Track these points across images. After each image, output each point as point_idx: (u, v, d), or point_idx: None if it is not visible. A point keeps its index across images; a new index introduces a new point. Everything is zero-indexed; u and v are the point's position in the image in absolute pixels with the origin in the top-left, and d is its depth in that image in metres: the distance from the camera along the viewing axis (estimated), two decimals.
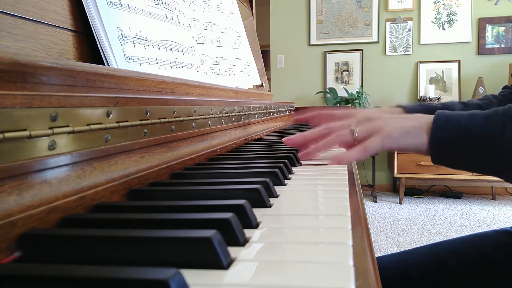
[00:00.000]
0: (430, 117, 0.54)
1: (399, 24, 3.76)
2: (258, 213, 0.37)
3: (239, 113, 0.89)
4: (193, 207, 0.36)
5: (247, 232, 0.32)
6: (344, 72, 3.93)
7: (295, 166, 0.65)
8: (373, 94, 3.82)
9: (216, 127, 0.75)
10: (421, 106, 0.78)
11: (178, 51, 0.72)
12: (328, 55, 3.94)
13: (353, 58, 3.91)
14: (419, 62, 3.75)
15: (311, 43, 3.95)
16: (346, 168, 0.60)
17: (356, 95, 3.70)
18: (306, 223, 0.35)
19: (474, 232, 0.81)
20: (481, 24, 3.61)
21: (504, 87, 0.91)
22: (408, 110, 0.77)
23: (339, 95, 3.78)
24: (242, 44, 1.18)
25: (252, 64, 1.23)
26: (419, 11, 3.74)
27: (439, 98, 3.48)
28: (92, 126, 0.38)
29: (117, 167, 0.42)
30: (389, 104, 3.74)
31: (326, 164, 0.65)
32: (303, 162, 0.68)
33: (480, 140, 0.49)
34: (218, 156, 0.70)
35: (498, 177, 0.51)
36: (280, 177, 0.51)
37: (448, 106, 0.78)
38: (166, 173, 0.52)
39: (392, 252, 0.84)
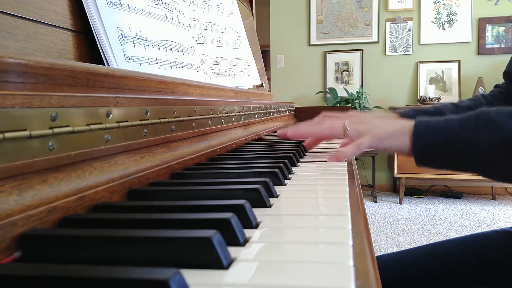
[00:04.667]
0: (412, 123, 0.61)
1: (399, 24, 3.76)
2: (258, 213, 0.37)
3: (239, 113, 0.89)
4: (193, 207, 0.36)
5: (247, 232, 0.32)
6: (344, 72, 3.93)
7: (295, 166, 0.65)
8: (373, 94, 3.82)
9: (216, 127, 0.75)
10: (415, 110, 0.85)
11: (178, 51, 0.72)
12: (328, 55, 3.94)
13: (353, 58, 3.90)
14: (419, 62, 3.75)
15: (311, 43, 3.95)
16: (346, 168, 0.60)
17: (356, 95, 3.70)
18: (306, 223, 0.35)
19: (474, 232, 0.81)
20: (481, 24, 3.61)
21: (495, 86, 0.94)
22: (402, 115, 0.84)
23: (339, 95, 3.78)
24: (242, 44, 1.18)
25: (252, 64, 1.23)
26: (419, 11, 3.74)
27: (439, 98, 3.48)
28: (92, 126, 0.38)
29: (117, 167, 0.42)
30: (389, 104, 3.74)
31: (325, 161, 0.70)
32: (303, 162, 0.69)
33: (457, 143, 0.56)
34: (218, 156, 0.70)
35: (474, 173, 0.58)
36: (280, 177, 0.51)
37: (440, 109, 0.84)
38: (166, 173, 0.52)
39: (391, 252, 0.84)
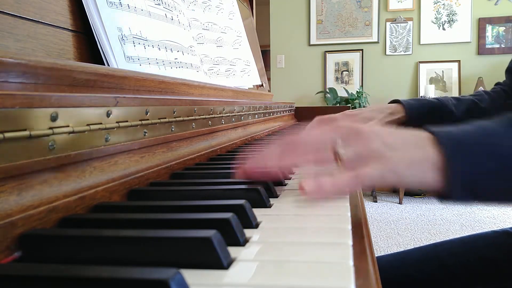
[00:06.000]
0: (435, 142, 0.39)
1: (399, 24, 3.76)
2: (258, 213, 0.37)
3: (239, 113, 0.89)
4: (193, 207, 0.36)
5: (247, 232, 0.32)
6: (344, 72, 3.93)
7: None
8: (373, 94, 3.82)
9: (216, 127, 0.75)
10: (419, 101, 0.81)
11: (178, 51, 0.72)
12: (328, 55, 3.94)
13: (353, 58, 3.91)
14: (419, 62, 3.75)
15: (311, 43, 3.95)
16: None
17: (356, 95, 3.70)
18: (306, 223, 0.35)
19: (474, 233, 0.81)
20: (481, 24, 3.61)
21: (497, 84, 0.93)
22: (407, 107, 0.78)
23: (339, 95, 3.78)
24: (242, 44, 1.18)
25: (252, 64, 1.23)
26: (419, 11, 3.74)
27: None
28: (92, 126, 0.38)
29: (117, 167, 0.42)
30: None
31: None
32: None
33: None
34: (218, 156, 0.70)
35: None
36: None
37: (442, 101, 0.81)
38: (166, 173, 0.52)
39: (392, 252, 0.84)
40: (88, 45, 0.54)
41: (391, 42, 3.79)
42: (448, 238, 0.82)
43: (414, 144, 0.40)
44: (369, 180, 0.39)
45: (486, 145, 0.37)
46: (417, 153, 0.39)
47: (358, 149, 0.41)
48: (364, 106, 3.65)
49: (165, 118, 0.53)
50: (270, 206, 0.40)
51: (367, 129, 0.42)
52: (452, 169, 0.37)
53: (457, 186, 0.37)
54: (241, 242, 0.29)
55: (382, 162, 0.39)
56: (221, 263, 0.25)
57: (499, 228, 0.79)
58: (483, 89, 3.55)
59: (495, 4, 3.59)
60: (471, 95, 0.88)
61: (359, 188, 0.42)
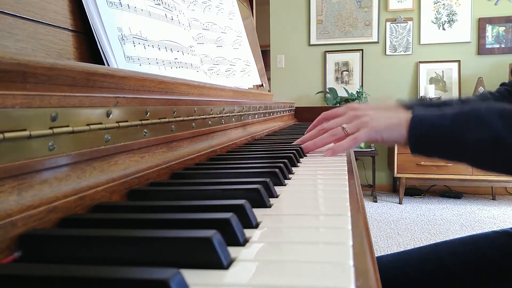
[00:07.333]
0: (408, 116, 0.64)
1: (399, 24, 3.76)
2: (258, 213, 0.37)
3: (239, 113, 0.89)
4: (193, 207, 0.36)
5: (247, 232, 0.32)
6: (344, 72, 3.93)
7: (295, 166, 0.65)
8: (373, 94, 3.82)
9: (216, 127, 0.75)
10: (421, 104, 0.83)
11: (178, 51, 0.72)
12: (328, 55, 3.94)
13: (353, 58, 3.91)
14: (419, 62, 3.75)
15: (311, 43, 3.95)
16: (346, 168, 0.60)
17: (356, 95, 3.71)
18: (306, 223, 0.35)
19: (474, 233, 0.81)
20: (481, 24, 3.61)
21: (502, 84, 0.94)
22: (408, 108, 0.81)
23: (339, 95, 3.78)
24: (242, 44, 1.18)
25: (252, 64, 1.23)
26: (419, 11, 3.74)
27: (439, 98, 3.48)
28: (92, 126, 0.38)
29: (117, 167, 0.42)
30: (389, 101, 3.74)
31: (324, 157, 0.74)
32: (303, 162, 0.69)
33: (448, 137, 0.60)
34: (218, 156, 0.70)
35: (465, 163, 0.62)
36: (280, 177, 0.51)
37: (446, 103, 0.83)
38: (166, 173, 0.52)
39: (392, 252, 0.84)
40: (88, 45, 0.54)
41: (391, 42, 3.79)
42: (448, 238, 0.82)
43: (392, 117, 0.66)
44: (360, 139, 0.67)
45: (432, 123, 0.61)
46: (393, 121, 0.65)
47: (354, 123, 0.69)
48: None
49: (165, 118, 0.53)
50: (270, 206, 0.40)
51: (364, 109, 0.72)
52: (409, 129, 0.62)
53: (411, 141, 0.62)
54: (241, 242, 0.29)
55: (369, 127, 0.66)
56: (221, 263, 0.25)
57: (499, 228, 0.79)
58: (483, 89, 3.55)
59: (495, 4, 3.59)
60: (476, 95, 0.91)
61: (356, 145, 0.68)
